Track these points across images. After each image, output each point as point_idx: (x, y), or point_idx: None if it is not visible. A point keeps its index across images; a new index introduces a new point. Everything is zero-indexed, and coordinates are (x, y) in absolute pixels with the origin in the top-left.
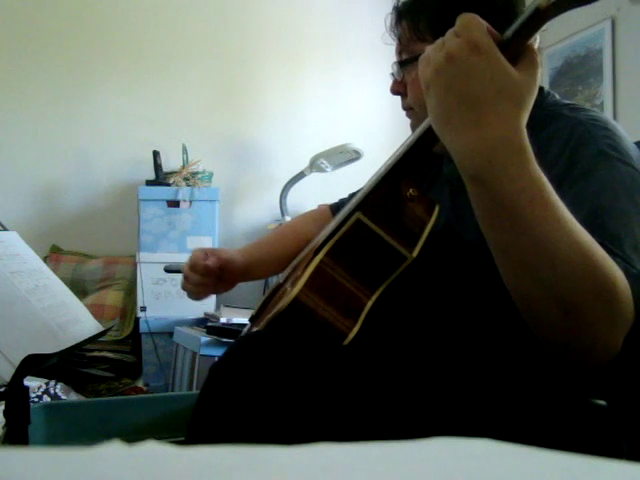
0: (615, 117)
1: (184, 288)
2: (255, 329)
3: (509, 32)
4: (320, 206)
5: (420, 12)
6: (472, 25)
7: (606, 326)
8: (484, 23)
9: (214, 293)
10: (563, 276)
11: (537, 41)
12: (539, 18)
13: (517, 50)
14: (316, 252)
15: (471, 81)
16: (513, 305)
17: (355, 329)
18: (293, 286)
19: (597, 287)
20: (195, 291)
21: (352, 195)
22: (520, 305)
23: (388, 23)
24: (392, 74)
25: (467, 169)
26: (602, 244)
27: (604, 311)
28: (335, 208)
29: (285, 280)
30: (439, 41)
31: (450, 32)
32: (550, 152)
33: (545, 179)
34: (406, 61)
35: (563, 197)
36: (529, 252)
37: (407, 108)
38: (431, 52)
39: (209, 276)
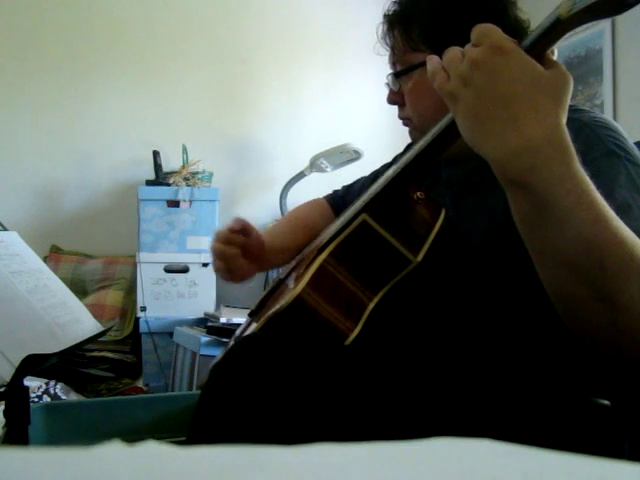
0: (615, 117)
1: (215, 268)
2: (254, 324)
3: (527, 42)
4: (317, 200)
5: (412, 21)
6: (489, 31)
7: None
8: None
9: (242, 271)
10: (613, 276)
11: (555, 54)
12: (559, 28)
13: (536, 60)
14: (320, 251)
15: (500, 81)
16: (517, 306)
17: (356, 330)
18: (296, 284)
19: None
20: (224, 267)
21: (347, 188)
22: (564, 308)
23: (379, 32)
24: (387, 84)
25: (509, 173)
26: None
27: None
28: (331, 200)
29: (287, 276)
30: (452, 54)
31: (468, 45)
32: None
33: (587, 177)
34: (401, 72)
35: None
36: (578, 254)
37: (404, 118)
38: (448, 66)
39: (234, 243)
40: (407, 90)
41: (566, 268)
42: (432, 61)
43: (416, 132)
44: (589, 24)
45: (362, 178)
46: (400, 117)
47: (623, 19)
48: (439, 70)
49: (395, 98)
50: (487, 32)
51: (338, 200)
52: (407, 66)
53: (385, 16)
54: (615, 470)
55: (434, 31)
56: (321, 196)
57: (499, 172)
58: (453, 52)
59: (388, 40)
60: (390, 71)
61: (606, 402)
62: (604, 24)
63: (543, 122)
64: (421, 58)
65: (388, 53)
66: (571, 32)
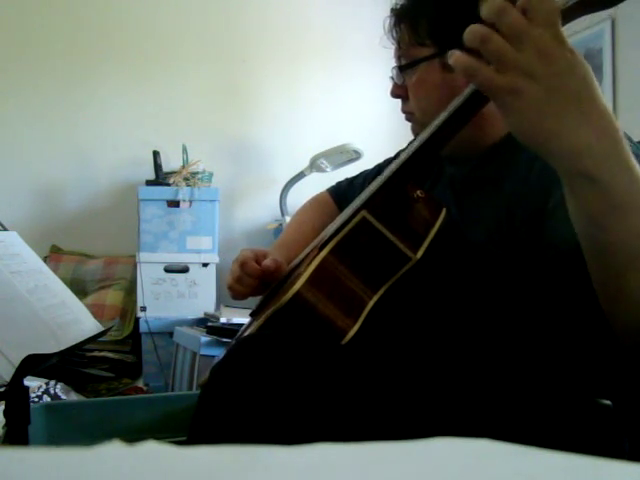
0: (615, 117)
1: (231, 288)
2: (255, 324)
3: None
4: (320, 196)
5: (419, 16)
6: (554, 16)
7: None
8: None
9: (256, 295)
10: None
11: None
12: None
13: None
14: (320, 248)
15: (572, 78)
16: (519, 305)
17: (355, 328)
18: (295, 281)
19: None
20: (245, 293)
21: (350, 182)
22: (622, 308)
23: (386, 26)
24: (391, 77)
25: (584, 166)
26: None
27: None
28: (334, 194)
29: (288, 275)
30: (498, 45)
31: (522, 23)
32: None
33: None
34: (406, 66)
35: None
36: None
37: (407, 112)
38: (500, 57)
39: (262, 280)
40: (411, 84)
41: (629, 265)
42: (461, 56)
43: (418, 127)
44: (589, 24)
45: (365, 171)
46: (403, 111)
47: (623, 19)
48: (479, 64)
49: (399, 91)
50: (552, 19)
51: (341, 194)
52: (412, 60)
53: (392, 10)
54: (615, 470)
55: (440, 26)
56: (323, 190)
57: (573, 165)
58: (499, 42)
59: (394, 34)
60: (395, 64)
61: (607, 402)
62: (604, 24)
63: (605, 117)
64: (426, 53)
65: (393, 47)
66: (570, 32)
